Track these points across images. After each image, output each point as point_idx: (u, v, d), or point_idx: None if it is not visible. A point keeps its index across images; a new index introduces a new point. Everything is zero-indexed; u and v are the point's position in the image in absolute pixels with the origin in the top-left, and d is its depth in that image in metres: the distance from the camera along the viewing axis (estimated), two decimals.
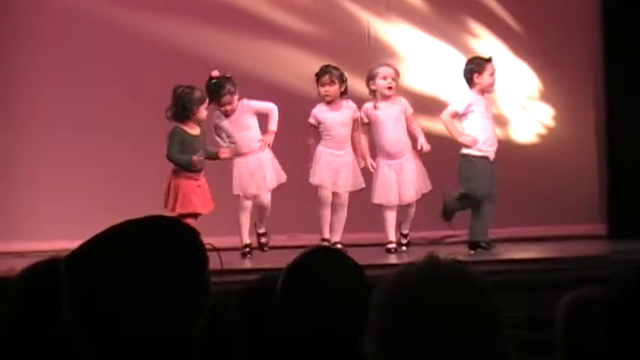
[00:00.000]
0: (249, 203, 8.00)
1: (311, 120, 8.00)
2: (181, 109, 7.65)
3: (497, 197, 7.84)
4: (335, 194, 8.03)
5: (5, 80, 8.86)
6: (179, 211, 7.55)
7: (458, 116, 7.84)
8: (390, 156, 7.96)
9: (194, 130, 7.74)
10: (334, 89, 7.97)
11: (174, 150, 7.66)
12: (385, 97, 7.96)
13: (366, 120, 7.99)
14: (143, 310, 1.78)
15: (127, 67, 8.87)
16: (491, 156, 7.85)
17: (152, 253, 1.81)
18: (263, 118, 8.02)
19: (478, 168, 7.78)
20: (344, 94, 8.02)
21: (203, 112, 7.72)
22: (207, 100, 7.72)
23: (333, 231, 8.03)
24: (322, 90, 7.98)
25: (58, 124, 8.81)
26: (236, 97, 7.92)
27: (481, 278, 1.73)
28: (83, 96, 8.80)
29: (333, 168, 7.99)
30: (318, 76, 8.00)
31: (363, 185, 8.01)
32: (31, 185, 8.78)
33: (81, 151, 8.77)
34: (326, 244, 7.71)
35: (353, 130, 8.04)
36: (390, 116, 7.96)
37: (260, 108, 8.00)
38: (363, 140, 8.02)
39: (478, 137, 7.78)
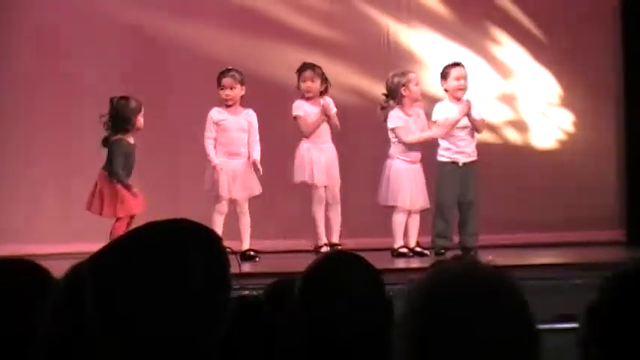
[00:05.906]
0: (226, 206, 7.87)
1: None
2: (121, 120, 7.58)
3: (473, 203, 7.80)
4: (327, 189, 8.00)
5: None
6: (122, 214, 7.50)
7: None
8: (411, 160, 7.93)
9: (132, 140, 7.66)
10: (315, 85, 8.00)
11: (120, 163, 7.57)
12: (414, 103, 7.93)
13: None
14: (165, 313, 1.79)
15: (139, 66, 8.84)
16: (461, 161, 7.83)
17: (174, 256, 1.83)
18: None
19: (444, 174, 7.80)
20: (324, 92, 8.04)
21: (141, 120, 7.66)
22: (142, 109, 7.64)
23: (331, 231, 8.00)
24: (303, 85, 8.03)
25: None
26: (239, 87, 7.86)
27: (519, 285, 1.73)
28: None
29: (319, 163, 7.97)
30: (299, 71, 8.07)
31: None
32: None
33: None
34: (325, 249, 7.69)
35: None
36: (424, 122, 7.97)
37: (255, 125, 7.94)
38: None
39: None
